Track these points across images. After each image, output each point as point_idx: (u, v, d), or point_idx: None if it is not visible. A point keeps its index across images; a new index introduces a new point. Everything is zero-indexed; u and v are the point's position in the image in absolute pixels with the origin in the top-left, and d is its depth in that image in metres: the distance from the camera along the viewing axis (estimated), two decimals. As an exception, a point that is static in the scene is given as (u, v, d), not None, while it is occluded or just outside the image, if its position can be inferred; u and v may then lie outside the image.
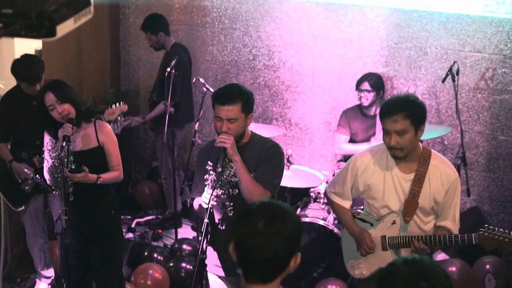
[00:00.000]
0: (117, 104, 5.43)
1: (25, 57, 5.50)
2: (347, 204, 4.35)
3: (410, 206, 4.03)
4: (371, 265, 4.25)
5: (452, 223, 4.09)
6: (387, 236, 4.16)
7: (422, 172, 3.99)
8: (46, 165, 4.67)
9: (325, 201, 6.04)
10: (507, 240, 3.85)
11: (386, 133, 3.90)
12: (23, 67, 5.40)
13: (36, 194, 5.58)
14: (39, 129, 5.25)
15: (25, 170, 5.42)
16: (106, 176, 4.73)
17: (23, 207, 5.61)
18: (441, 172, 4.02)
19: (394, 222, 4.10)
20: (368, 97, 6.33)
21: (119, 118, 5.40)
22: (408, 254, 4.11)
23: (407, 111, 3.85)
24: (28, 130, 5.36)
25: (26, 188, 5.41)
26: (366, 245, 4.19)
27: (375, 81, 6.39)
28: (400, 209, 4.08)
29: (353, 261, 4.37)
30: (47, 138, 4.72)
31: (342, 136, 6.51)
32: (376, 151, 4.17)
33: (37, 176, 5.25)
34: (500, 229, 3.91)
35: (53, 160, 4.49)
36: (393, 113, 3.85)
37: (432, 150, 4.10)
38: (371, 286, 4.25)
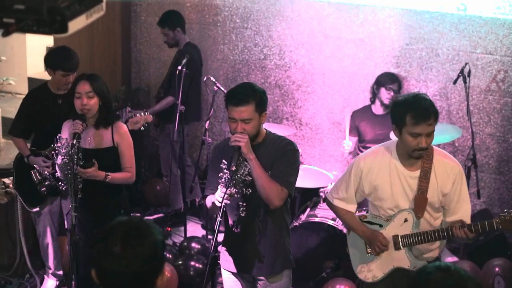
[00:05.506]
0: (142, 114, 5.34)
1: (62, 47, 5.49)
2: (352, 208, 4.26)
3: (420, 203, 3.97)
4: (384, 266, 4.19)
5: (466, 218, 3.99)
6: (399, 235, 4.08)
7: (427, 167, 3.95)
8: (58, 161, 4.62)
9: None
10: None
11: (416, 136, 3.83)
12: (63, 54, 5.34)
13: (52, 196, 5.50)
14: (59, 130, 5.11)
15: (42, 161, 5.24)
16: (115, 175, 4.71)
17: (37, 209, 5.55)
18: (445, 166, 3.99)
19: (406, 220, 4.04)
20: (393, 98, 6.31)
21: (142, 128, 5.32)
22: (421, 251, 4.11)
23: (435, 114, 3.86)
24: (50, 131, 5.08)
25: (43, 189, 5.25)
26: (380, 242, 4.10)
27: (399, 84, 6.50)
28: (410, 206, 4.02)
29: (363, 266, 4.27)
30: (65, 134, 4.66)
31: (351, 139, 6.57)
32: (378, 151, 4.13)
33: (50, 177, 5.12)
34: None
35: (62, 157, 4.48)
36: (429, 117, 3.83)
37: (433, 146, 4.04)
38: None
